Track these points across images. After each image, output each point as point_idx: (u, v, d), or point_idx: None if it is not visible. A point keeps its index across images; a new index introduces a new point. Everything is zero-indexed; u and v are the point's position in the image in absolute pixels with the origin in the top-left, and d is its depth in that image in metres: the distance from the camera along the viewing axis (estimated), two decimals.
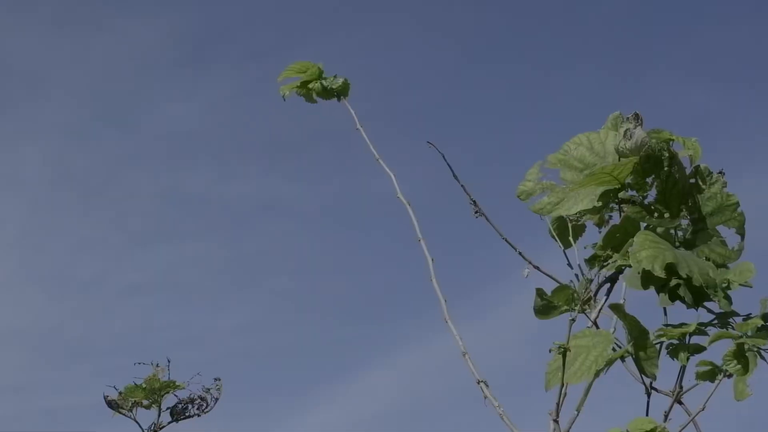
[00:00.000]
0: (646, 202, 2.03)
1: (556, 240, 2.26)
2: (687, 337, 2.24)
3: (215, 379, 3.65)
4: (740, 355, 2.20)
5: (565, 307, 2.18)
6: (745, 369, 2.20)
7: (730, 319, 2.23)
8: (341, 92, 2.89)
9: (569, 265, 2.21)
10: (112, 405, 3.54)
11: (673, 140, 2.15)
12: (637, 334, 2.00)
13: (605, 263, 2.03)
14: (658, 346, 2.16)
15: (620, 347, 2.08)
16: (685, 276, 1.94)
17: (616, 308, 2.03)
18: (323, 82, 2.90)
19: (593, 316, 2.14)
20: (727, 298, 2.16)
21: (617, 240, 2.05)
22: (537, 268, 2.20)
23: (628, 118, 2.01)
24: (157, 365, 3.56)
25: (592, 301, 2.07)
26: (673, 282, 2.00)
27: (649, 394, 2.24)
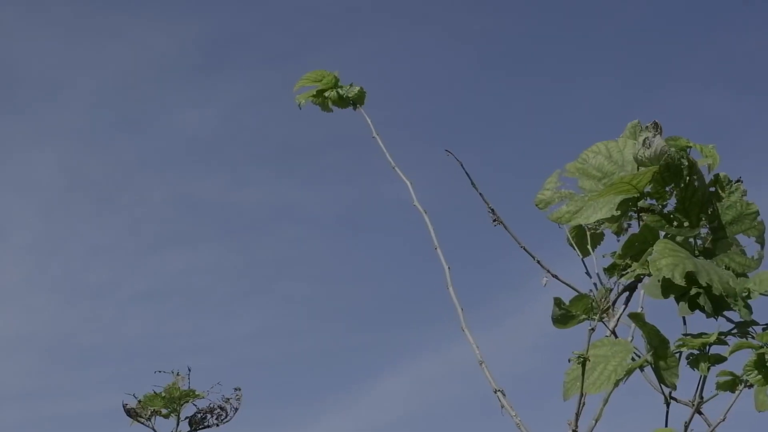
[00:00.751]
0: (665, 210, 2.02)
1: (574, 248, 2.25)
2: (707, 347, 2.22)
3: (235, 389, 3.63)
4: (761, 365, 2.18)
5: (584, 316, 2.17)
6: (766, 379, 2.18)
7: (751, 329, 2.21)
8: (357, 101, 2.89)
9: (587, 273, 2.20)
10: (130, 413, 3.53)
11: (690, 148, 2.14)
12: (657, 343, 1.99)
13: (624, 272, 2.01)
14: (677, 355, 2.14)
15: (639, 357, 2.06)
16: (705, 285, 1.93)
17: (636, 317, 2.02)
18: (339, 90, 2.90)
19: (612, 325, 2.13)
20: (747, 307, 2.14)
21: (636, 249, 2.04)
22: (555, 276, 2.19)
23: (647, 127, 2.00)
24: (177, 374, 3.54)
25: (610, 310, 2.06)
26: (693, 291, 1.98)
27: (668, 404, 2.22)
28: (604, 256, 2.16)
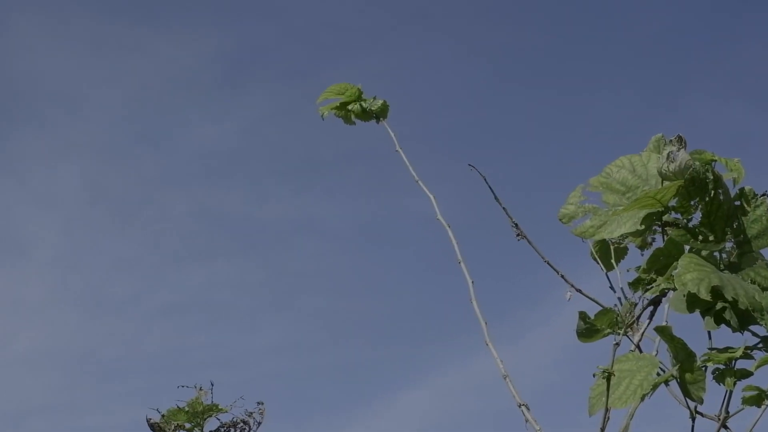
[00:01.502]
0: (690, 225, 2.01)
1: (598, 263, 2.24)
2: (733, 362, 2.20)
3: (258, 403, 3.63)
4: None
5: (608, 331, 2.16)
6: None
7: None
8: (380, 114, 2.89)
9: (612, 287, 2.19)
10: (154, 428, 3.53)
11: (714, 161, 2.13)
12: (684, 357, 1.98)
13: (649, 287, 2.00)
14: (702, 370, 2.13)
15: (664, 371, 2.05)
16: (730, 299, 1.92)
17: (663, 331, 2.01)
18: (362, 103, 2.90)
19: (636, 339, 2.12)
20: None
21: (661, 263, 2.03)
22: (579, 291, 2.18)
23: (671, 141, 1.99)
24: (200, 388, 3.54)
25: (635, 325, 2.05)
26: (719, 305, 1.97)
27: (693, 419, 2.21)
28: (628, 270, 2.15)
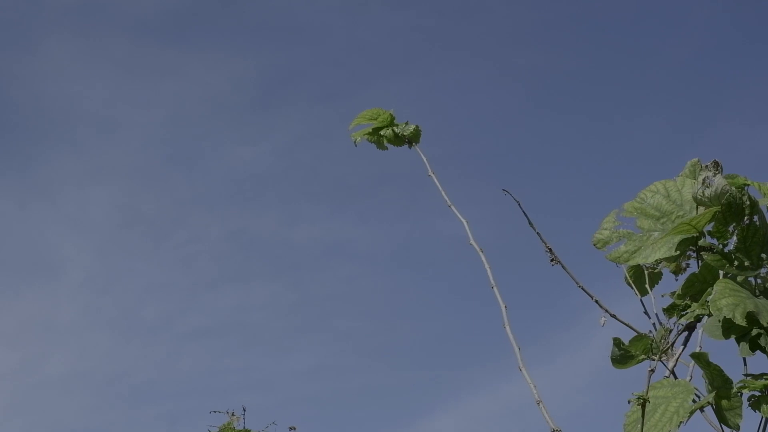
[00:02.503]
0: (725, 250, 2.00)
1: (632, 287, 2.23)
2: None
3: (290, 428, 3.63)
4: None
5: (643, 357, 2.15)
6: None
7: None
8: (413, 139, 2.90)
9: (646, 313, 2.19)
10: None
11: (747, 185, 2.12)
12: (721, 383, 1.96)
13: (684, 312, 2.00)
14: (739, 396, 2.11)
15: (700, 397, 2.04)
16: (766, 325, 1.91)
17: (699, 357, 2.00)
18: (395, 128, 2.91)
19: (671, 365, 2.11)
20: None
21: (696, 288, 2.02)
22: (614, 316, 2.18)
23: (707, 166, 1.99)
24: (233, 413, 3.55)
25: (670, 350, 2.04)
26: (754, 332, 1.96)
27: None
28: (663, 296, 2.15)
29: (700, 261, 2.06)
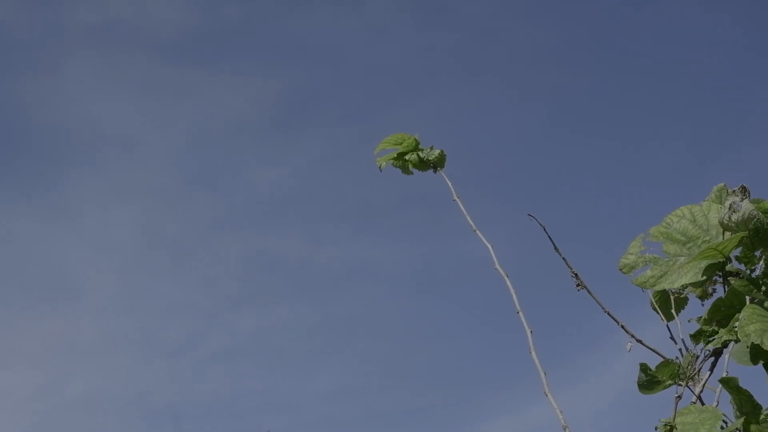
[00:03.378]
0: (752, 275, 1.99)
1: (658, 313, 2.23)
2: None
3: None
4: None
5: (670, 382, 2.14)
6: None
7: None
8: (437, 163, 2.91)
9: (672, 338, 2.18)
10: None
11: None
12: (750, 409, 1.95)
13: (711, 338, 1.99)
14: None
15: (727, 423, 2.03)
16: None
17: (728, 383, 1.99)
18: (419, 153, 2.91)
19: (697, 390, 2.10)
20: None
21: (722, 313, 2.02)
22: (640, 341, 2.17)
23: (734, 191, 1.99)
24: None
25: (696, 376, 2.03)
26: None
27: None
28: (689, 321, 2.14)
29: (726, 286, 2.06)
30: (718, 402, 2.24)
